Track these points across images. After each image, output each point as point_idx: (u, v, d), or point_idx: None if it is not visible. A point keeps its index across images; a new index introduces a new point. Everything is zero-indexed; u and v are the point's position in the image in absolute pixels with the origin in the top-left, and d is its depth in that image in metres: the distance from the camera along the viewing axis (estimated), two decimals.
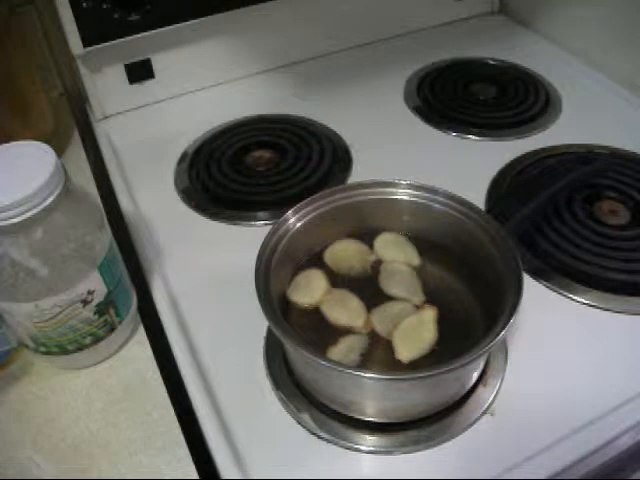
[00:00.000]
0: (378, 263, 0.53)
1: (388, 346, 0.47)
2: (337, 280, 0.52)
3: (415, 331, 0.48)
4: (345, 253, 0.54)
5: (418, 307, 0.49)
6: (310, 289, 0.51)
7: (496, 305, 0.45)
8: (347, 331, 0.48)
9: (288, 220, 0.51)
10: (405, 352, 0.46)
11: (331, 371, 0.42)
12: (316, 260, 0.54)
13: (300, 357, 0.46)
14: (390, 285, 0.51)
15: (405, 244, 0.54)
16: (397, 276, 0.52)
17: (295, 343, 0.42)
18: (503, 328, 0.41)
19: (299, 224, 0.52)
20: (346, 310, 0.50)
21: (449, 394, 0.46)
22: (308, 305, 0.50)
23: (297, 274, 0.52)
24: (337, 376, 0.43)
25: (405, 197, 0.53)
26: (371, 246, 0.54)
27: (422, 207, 0.53)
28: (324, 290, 0.51)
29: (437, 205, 0.52)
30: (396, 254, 0.54)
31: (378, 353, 0.47)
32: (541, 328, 0.53)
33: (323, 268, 0.53)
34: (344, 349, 0.47)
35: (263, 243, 0.49)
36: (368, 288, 0.51)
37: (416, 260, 0.53)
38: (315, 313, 0.50)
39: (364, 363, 0.47)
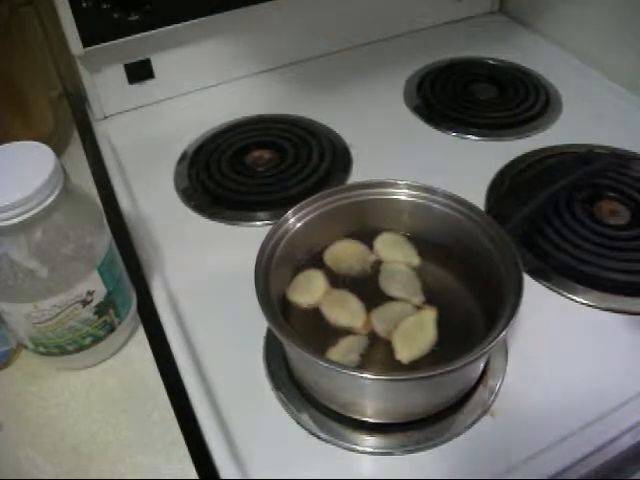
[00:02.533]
0: (378, 263, 0.53)
1: (388, 346, 0.47)
2: (337, 280, 0.52)
3: (415, 332, 0.47)
4: (345, 253, 0.54)
5: (418, 307, 0.49)
6: (310, 289, 0.51)
7: (496, 305, 0.45)
8: (347, 332, 0.48)
9: (288, 220, 0.51)
10: (405, 353, 0.46)
11: (330, 372, 0.42)
12: (316, 260, 0.54)
13: (300, 357, 0.46)
14: (390, 285, 0.51)
15: (405, 244, 0.54)
16: (397, 276, 0.52)
17: (295, 344, 0.42)
18: (503, 329, 0.41)
19: (299, 224, 0.51)
20: (346, 311, 0.50)
21: (449, 394, 0.46)
22: (307, 305, 0.50)
23: (297, 274, 0.52)
24: (336, 376, 0.43)
25: (405, 197, 0.53)
26: (371, 246, 0.54)
27: (422, 207, 0.53)
28: (324, 290, 0.51)
29: (437, 205, 0.52)
30: (396, 254, 0.54)
31: (378, 353, 0.47)
32: (541, 328, 0.53)
33: (323, 268, 0.53)
34: (343, 349, 0.47)
35: (263, 243, 0.49)
36: (368, 288, 0.51)
37: (416, 260, 0.53)
38: (315, 313, 0.50)
39: (364, 363, 0.46)
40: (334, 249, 0.54)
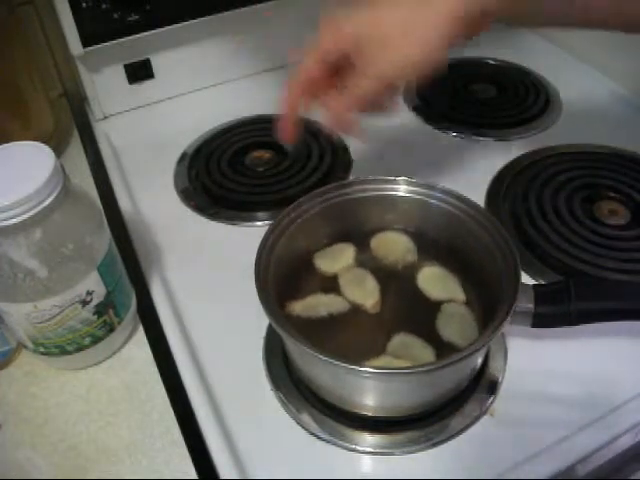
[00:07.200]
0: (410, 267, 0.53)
1: (361, 326, 0.49)
2: (371, 264, 0.53)
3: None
4: (389, 244, 0.54)
5: None
6: (335, 260, 0.53)
7: (495, 302, 0.45)
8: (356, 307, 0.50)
9: (288, 215, 0.51)
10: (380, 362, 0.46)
11: (328, 364, 0.41)
12: (358, 239, 0.54)
13: (297, 350, 0.46)
14: (448, 329, 0.49)
15: (449, 279, 0.52)
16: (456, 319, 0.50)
17: (293, 337, 0.42)
18: (500, 325, 0.41)
19: (299, 220, 0.52)
20: (361, 288, 0.51)
21: (445, 391, 0.46)
22: (327, 273, 0.52)
23: (333, 244, 0.54)
24: (326, 366, 0.42)
25: (405, 194, 0.53)
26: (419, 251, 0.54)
27: (423, 203, 0.53)
28: (347, 264, 0.52)
29: (435, 201, 0.52)
30: (440, 290, 0.51)
31: (350, 322, 0.49)
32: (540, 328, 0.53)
33: (362, 247, 0.54)
34: (316, 303, 0.50)
35: (263, 238, 0.49)
36: (388, 278, 0.52)
37: (461, 296, 0.51)
38: (333, 282, 0.52)
39: (328, 322, 0.49)
40: (384, 235, 0.55)
